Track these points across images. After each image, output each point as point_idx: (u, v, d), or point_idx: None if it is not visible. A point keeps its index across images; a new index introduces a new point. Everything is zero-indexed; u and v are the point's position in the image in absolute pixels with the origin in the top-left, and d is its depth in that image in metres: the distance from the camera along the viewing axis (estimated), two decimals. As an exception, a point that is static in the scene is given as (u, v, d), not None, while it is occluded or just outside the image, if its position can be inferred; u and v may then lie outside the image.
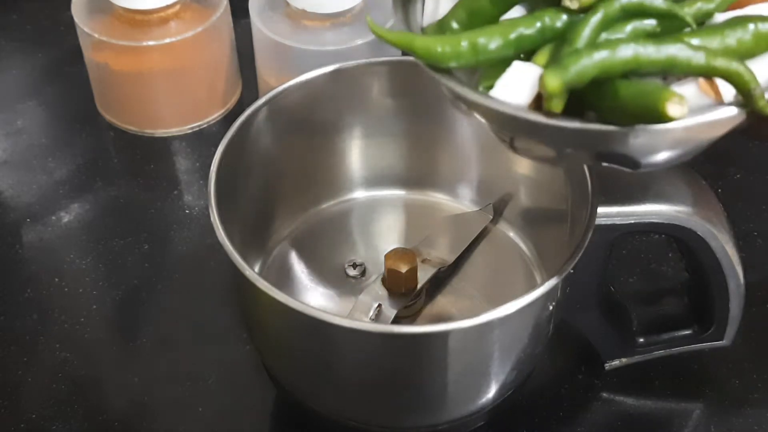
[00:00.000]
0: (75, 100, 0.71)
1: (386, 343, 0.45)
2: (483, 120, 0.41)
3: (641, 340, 0.54)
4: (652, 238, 0.61)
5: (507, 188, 0.57)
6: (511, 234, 0.58)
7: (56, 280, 0.60)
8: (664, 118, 0.35)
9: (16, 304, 0.59)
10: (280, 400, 0.54)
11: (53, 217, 0.63)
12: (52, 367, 0.56)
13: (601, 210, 0.47)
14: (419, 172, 0.59)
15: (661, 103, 0.35)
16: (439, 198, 0.59)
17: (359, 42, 0.62)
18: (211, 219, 0.47)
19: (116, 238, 0.62)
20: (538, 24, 0.38)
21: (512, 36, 0.38)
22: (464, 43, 0.38)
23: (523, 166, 0.56)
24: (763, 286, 0.58)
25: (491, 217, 0.58)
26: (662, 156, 0.39)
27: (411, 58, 0.55)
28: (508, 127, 0.41)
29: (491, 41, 0.38)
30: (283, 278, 0.56)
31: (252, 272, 0.45)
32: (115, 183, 0.66)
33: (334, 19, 0.63)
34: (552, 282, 0.44)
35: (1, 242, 0.62)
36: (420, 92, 0.56)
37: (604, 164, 0.41)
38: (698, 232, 0.48)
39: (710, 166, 0.62)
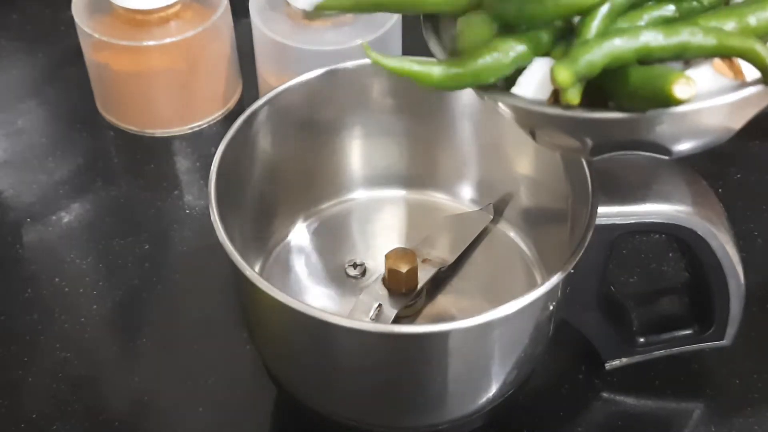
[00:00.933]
0: (75, 100, 0.71)
1: (386, 343, 0.45)
2: (508, 114, 0.41)
3: (641, 339, 0.53)
4: (652, 238, 0.61)
5: (507, 188, 0.57)
6: (512, 234, 0.58)
7: (56, 280, 0.60)
8: (673, 101, 0.35)
9: (16, 303, 0.59)
10: (280, 400, 0.54)
11: (53, 217, 0.63)
12: (52, 367, 0.56)
13: (601, 210, 0.47)
14: (419, 172, 0.59)
15: (667, 86, 0.35)
16: (439, 198, 0.59)
17: (359, 42, 0.62)
18: (211, 219, 0.47)
19: (116, 238, 0.62)
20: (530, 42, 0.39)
21: (511, 54, 0.38)
22: (460, 70, 0.38)
23: (523, 165, 0.56)
24: (764, 286, 0.58)
25: (491, 216, 0.57)
26: (687, 140, 0.39)
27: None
28: (531, 121, 0.41)
29: (489, 73, 0.38)
30: (283, 278, 0.56)
31: (252, 272, 0.45)
32: (115, 183, 0.66)
33: (334, 19, 0.63)
34: (552, 282, 0.44)
35: (1, 242, 0.62)
36: (420, 92, 0.55)
37: (639, 153, 0.40)
38: (698, 232, 0.48)
39: (710, 165, 0.61)
